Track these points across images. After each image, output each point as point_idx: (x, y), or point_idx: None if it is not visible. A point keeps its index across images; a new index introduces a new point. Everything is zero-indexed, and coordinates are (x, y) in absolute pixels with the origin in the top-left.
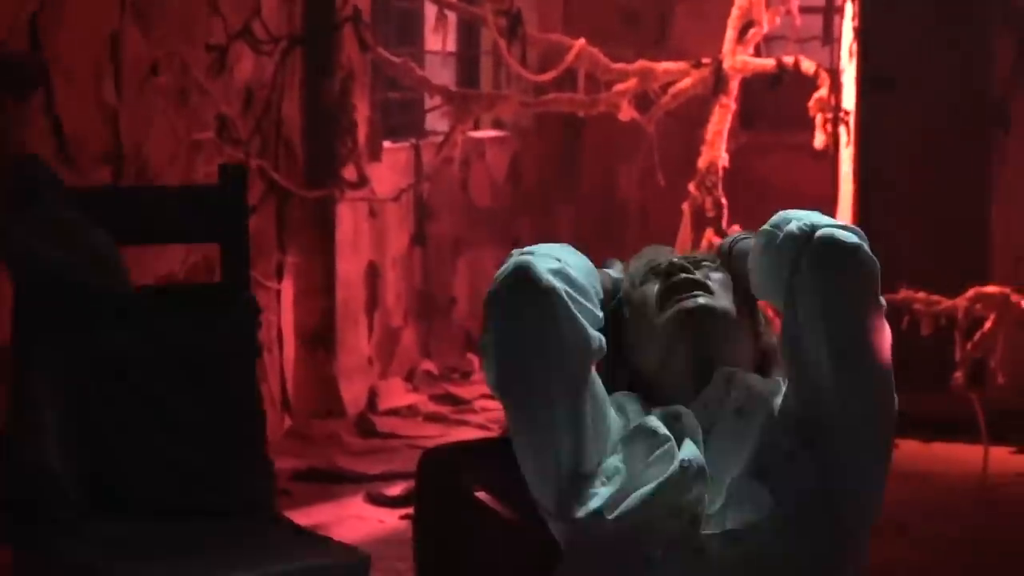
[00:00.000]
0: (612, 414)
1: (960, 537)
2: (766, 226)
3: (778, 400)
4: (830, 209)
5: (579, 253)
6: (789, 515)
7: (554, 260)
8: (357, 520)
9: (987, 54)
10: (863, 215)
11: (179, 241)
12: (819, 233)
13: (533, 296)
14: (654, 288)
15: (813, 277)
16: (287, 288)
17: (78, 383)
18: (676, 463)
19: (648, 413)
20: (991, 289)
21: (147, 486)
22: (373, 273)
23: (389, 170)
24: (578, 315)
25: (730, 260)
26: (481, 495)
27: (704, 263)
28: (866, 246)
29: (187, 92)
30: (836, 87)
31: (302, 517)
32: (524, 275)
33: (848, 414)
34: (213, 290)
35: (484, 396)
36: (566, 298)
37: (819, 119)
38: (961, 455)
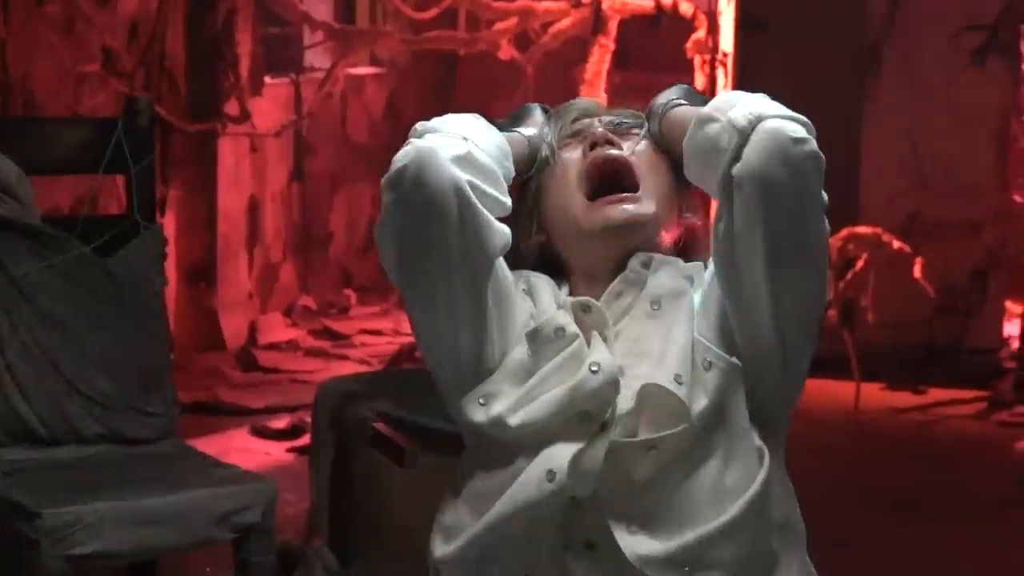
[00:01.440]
0: (519, 300)
1: (834, 472)
2: (707, 108)
3: (697, 296)
4: None
5: (489, 125)
6: (707, 427)
7: (460, 140)
8: (243, 452)
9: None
10: None
11: (86, 172)
12: (764, 124)
13: (434, 192)
14: (575, 157)
15: (754, 172)
16: (169, 222)
17: None
18: (585, 367)
19: (557, 303)
20: (863, 229)
21: (56, 414)
22: (253, 208)
23: (270, 105)
24: (482, 212)
25: (660, 127)
26: (379, 426)
27: (633, 130)
28: (814, 139)
29: (73, 23)
30: (714, 29)
31: None
32: (425, 165)
33: (778, 323)
34: (121, 221)
35: (363, 332)
36: (469, 194)
37: (697, 61)
38: (833, 391)
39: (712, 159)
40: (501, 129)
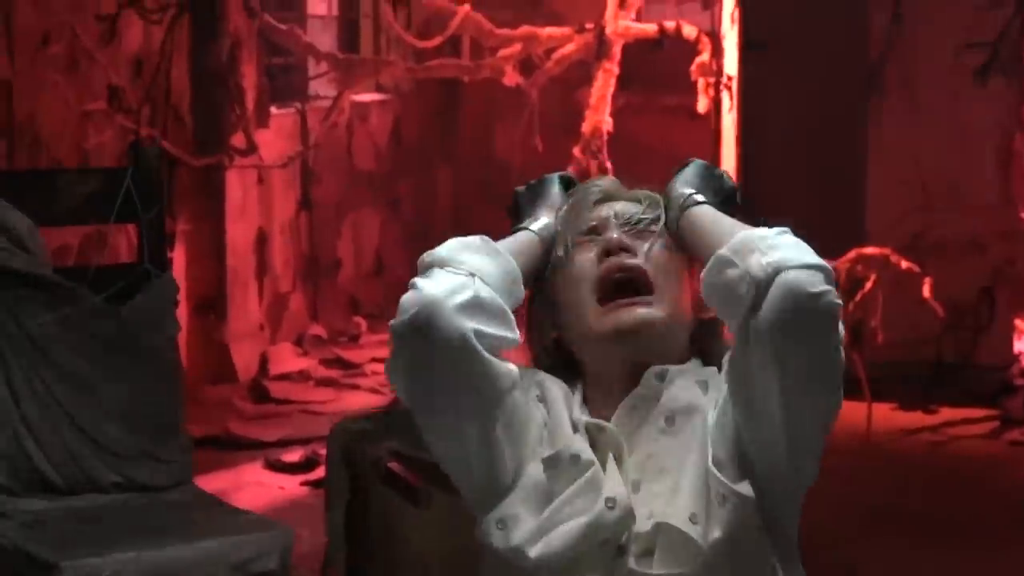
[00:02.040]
0: (532, 411)
1: (845, 494)
2: (727, 250)
3: (711, 411)
4: None
5: (495, 250)
6: (722, 557)
7: (466, 280)
8: (257, 487)
9: (862, 19)
10: (745, 180)
11: (97, 223)
12: (782, 277)
13: (441, 346)
14: (589, 260)
15: (772, 326)
16: (178, 256)
17: (0, 364)
18: (601, 502)
19: (571, 417)
20: (871, 250)
21: (72, 463)
22: (262, 239)
23: (275, 135)
24: (489, 361)
25: (679, 225)
26: (392, 465)
27: (651, 227)
28: (832, 289)
29: (78, 62)
30: (718, 52)
31: (203, 485)
32: (432, 318)
33: (791, 440)
34: (132, 270)
35: (374, 360)
36: (476, 345)
37: (701, 84)
38: (844, 412)
39: (730, 303)
40: (517, 210)
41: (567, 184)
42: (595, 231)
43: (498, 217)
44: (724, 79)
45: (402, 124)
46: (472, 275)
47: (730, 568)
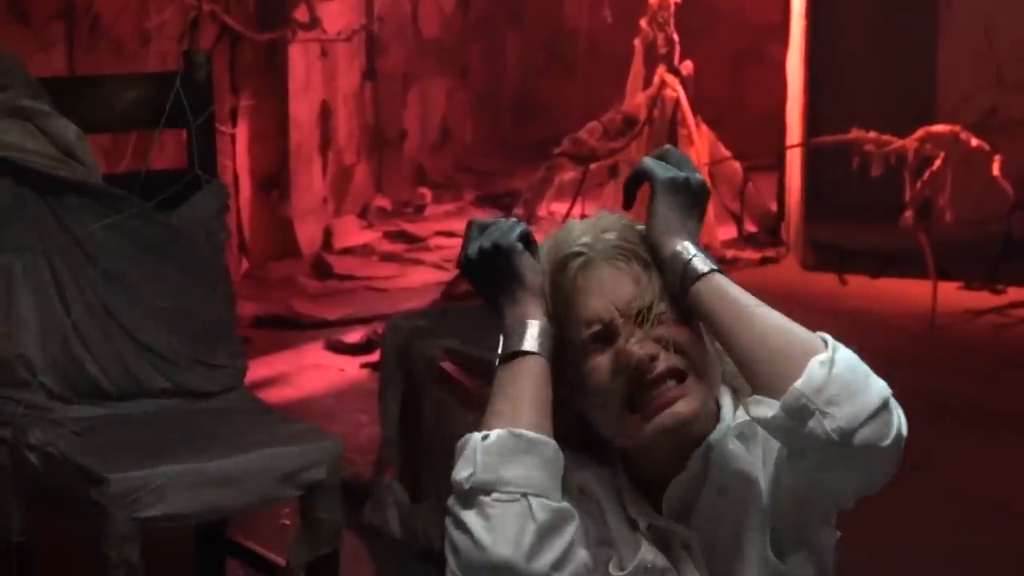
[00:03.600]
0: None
1: (909, 380)
2: (781, 414)
3: (761, 480)
4: (781, 43)
5: (529, 443)
6: None
7: (519, 508)
8: (317, 369)
9: None
10: (813, 54)
11: (146, 128)
12: (856, 438)
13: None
14: (606, 370)
15: (845, 480)
16: (241, 132)
17: (51, 272)
18: None
19: (628, 516)
20: (940, 128)
21: (123, 370)
22: (325, 113)
23: (339, 7)
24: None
25: (688, 300)
26: (446, 365)
27: (662, 313)
28: (898, 422)
29: None
30: None
31: (262, 368)
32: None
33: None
34: (182, 177)
35: (438, 233)
36: None
37: None
38: (908, 291)
39: (794, 445)
40: (476, 268)
41: (526, 240)
42: (601, 335)
43: (568, 89)
44: None
45: None
46: (524, 495)
47: None
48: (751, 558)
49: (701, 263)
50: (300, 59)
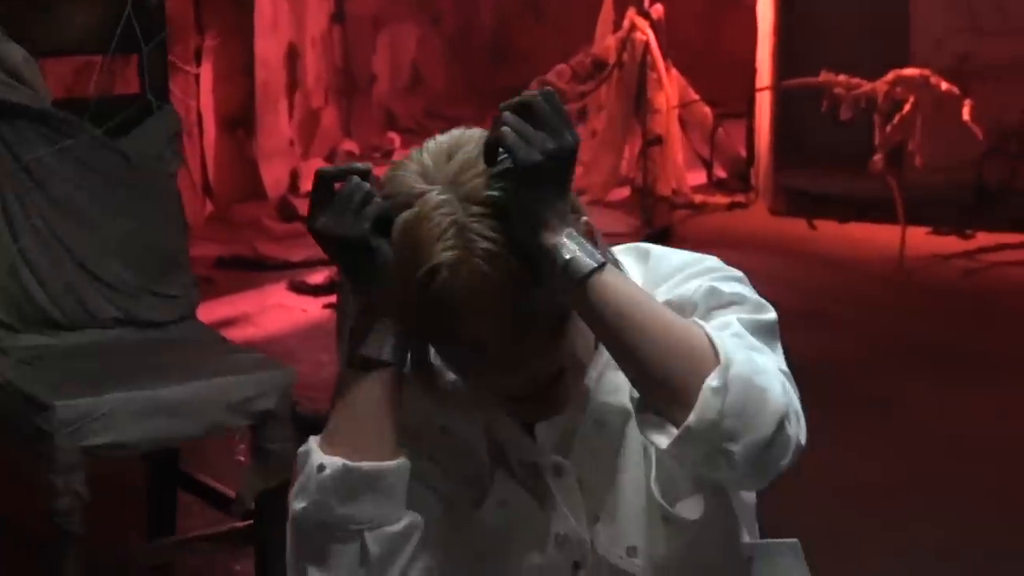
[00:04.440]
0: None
1: (878, 324)
2: (671, 449)
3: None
4: None
5: (367, 476)
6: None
7: (355, 550)
8: (280, 309)
9: None
10: None
11: (97, 53)
12: (756, 464)
13: None
14: (475, 374)
15: (739, 483)
16: (206, 71)
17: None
18: (549, 539)
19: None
20: (910, 71)
21: (72, 299)
22: (293, 54)
23: None
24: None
25: (560, 291)
26: None
27: (526, 318)
28: (796, 434)
29: None
30: None
31: (225, 307)
32: None
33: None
34: (133, 101)
35: None
36: None
37: None
38: (878, 236)
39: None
40: (331, 240)
41: (380, 221)
42: (472, 350)
43: (541, 33)
44: None
45: None
46: (360, 532)
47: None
48: (628, 494)
49: (579, 264)
50: None
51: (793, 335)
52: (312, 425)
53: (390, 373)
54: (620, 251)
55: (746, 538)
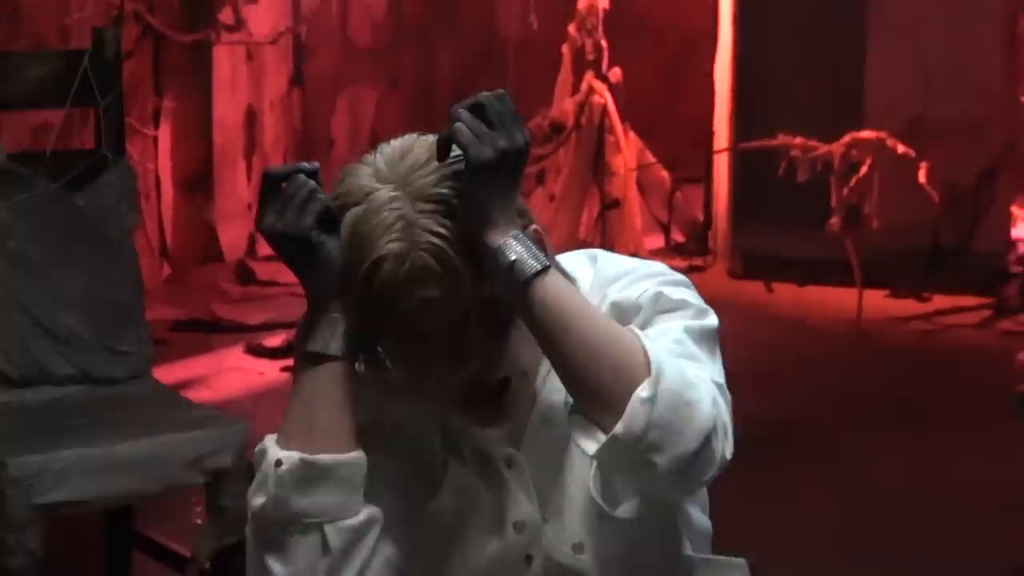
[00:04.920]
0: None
1: (834, 385)
2: (595, 455)
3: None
4: (712, 53)
5: (326, 468)
6: (620, 559)
7: (315, 541)
8: (236, 372)
9: None
10: (742, 60)
11: (54, 106)
12: (677, 482)
13: None
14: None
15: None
16: (164, 133)
17: None
18: (508, 526)
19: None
20: (866, 134)
21: (26, 355)
22: (251, 116)
23: (266, 10)
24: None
25: (506, 292)
26: None
27: (469, 321)
28: (719, 453)
29: None
30: None
31: (180, 370)
32: None
33: None
34: (89, 155)
35: None
36: None
37: None
38: (835, 298)
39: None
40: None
41: (325, 216)
42: (415, 352)
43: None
44: None
45: None
46: (319, 525)
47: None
48: (574, 492)
49: (524, 266)
50: (225, 61)
51: (751, 394)
52: None
53: (341, 367)
54: (571, 256)
55: (691, 551)
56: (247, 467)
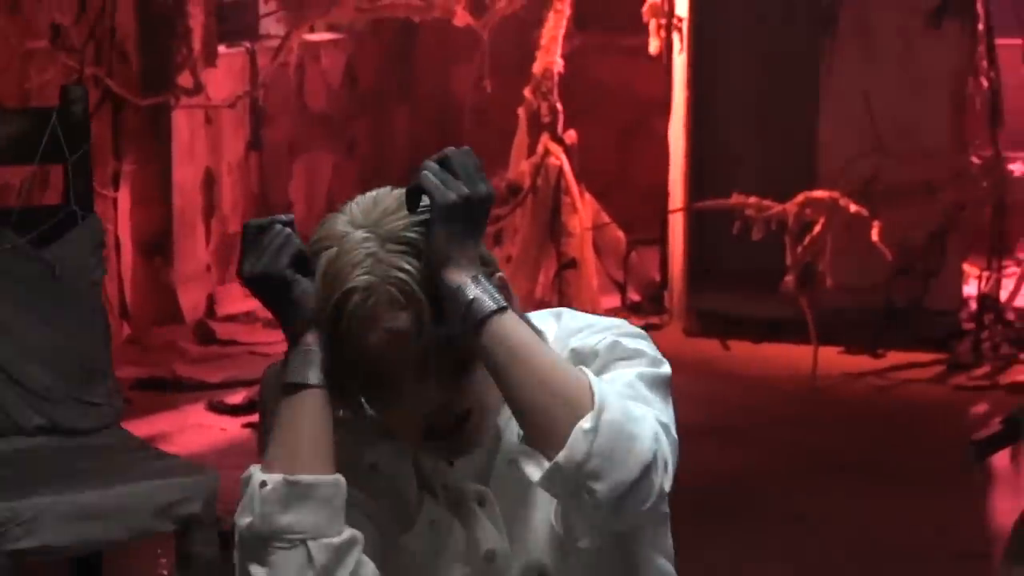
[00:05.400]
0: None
1: (791, 440)
2: (543, 481)
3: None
4: (667, 117)
5: (307, 487)
6: None
7: (299, 557)
8: (199, 429)
9: None
10: (696, 122)
11: (22, 163)
12: (617, 512)
13: None
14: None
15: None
16: (123, 196)
17: None
18: (479, 555)
19: (430, 493)
20: (820, 194)
21: None
22: (210, 180)
23: (224, 75)
24: None
25: (463, 331)
26: None
27: (432, 358)
28: (659, 485)
29: (19, 0)
30: None
31: (143, 427)
32: None
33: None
34: (57, 211)
35: None
36: None
37: (653, 25)
38: (791, 356)
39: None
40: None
41: (299, 260)
42: (382, 385)
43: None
44: (675, 20)
45: (356, 64)
46: (303, 541)
47: None
48: (537, 524)
49: (481, 304)
50: (184, 125)
51: (707, 450)
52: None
53: (318, 395)
54: (538, 314)
55: None
56: (219, 528)
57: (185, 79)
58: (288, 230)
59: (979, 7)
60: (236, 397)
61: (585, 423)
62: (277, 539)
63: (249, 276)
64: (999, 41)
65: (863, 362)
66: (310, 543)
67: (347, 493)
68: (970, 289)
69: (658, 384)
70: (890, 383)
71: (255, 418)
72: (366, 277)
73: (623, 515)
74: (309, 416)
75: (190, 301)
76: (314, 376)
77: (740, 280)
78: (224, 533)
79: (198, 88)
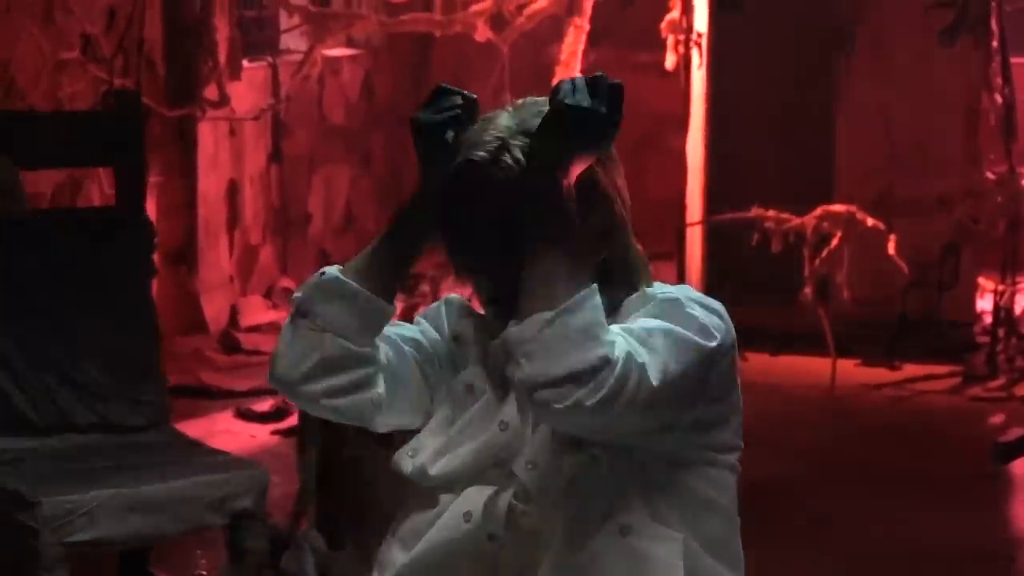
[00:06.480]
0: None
1: (812, 447)
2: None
3: None
4: (680, 132)
5: (351, 292)
6: (554, 506)
7: (314, 338)
8: (228, 435)
9: None
10: (714, 137)
11: (77, 165)
12: (533, 398)
13: (310, 409)
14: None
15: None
16: (149, 207)
17: None
18: (495, 424)
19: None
20: (837, 207)
21: (50, 403)
22: (233, 191)
23: (247, 88)
24: (357, 397)
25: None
26: None
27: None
28: (585, 393)
29: (51, 10)
30: (688, 9)
31: None
32: (287, 395)
33: None
34: (110, 213)
35: None
36: (335, 403)
37: (671, 41)
38: (809, 368)
39: None
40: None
41: (455, 119)
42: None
43: None
44: (694, 36)
45: (374, 79)
46: (325, 330)
47: (568, 510)
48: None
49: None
50: (209, 137)
51: None
52: (276, 543)
53: (415, 252)
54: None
55: (631, 518)
56: (265, 510)
57: (211, 91)
58: (459, 98)
59: (993, 24)
60: (263, 405)
61: (547, 313)
62: (308, 318)
63: (414, 120)
64: (1013, 59)
65: (880, 374)
66: (330, 335)
67: (429, 360)
68: (984, 303)
69: (683, 346)
70: (907, 394)
71: (284, 424)
72: (482, 154)
73: (539, 407)
74: (400, 251)
75: (213, 311)
76: (422, 236)
77: (757, 293)
78: (272, 528)
79: (224, 100)
